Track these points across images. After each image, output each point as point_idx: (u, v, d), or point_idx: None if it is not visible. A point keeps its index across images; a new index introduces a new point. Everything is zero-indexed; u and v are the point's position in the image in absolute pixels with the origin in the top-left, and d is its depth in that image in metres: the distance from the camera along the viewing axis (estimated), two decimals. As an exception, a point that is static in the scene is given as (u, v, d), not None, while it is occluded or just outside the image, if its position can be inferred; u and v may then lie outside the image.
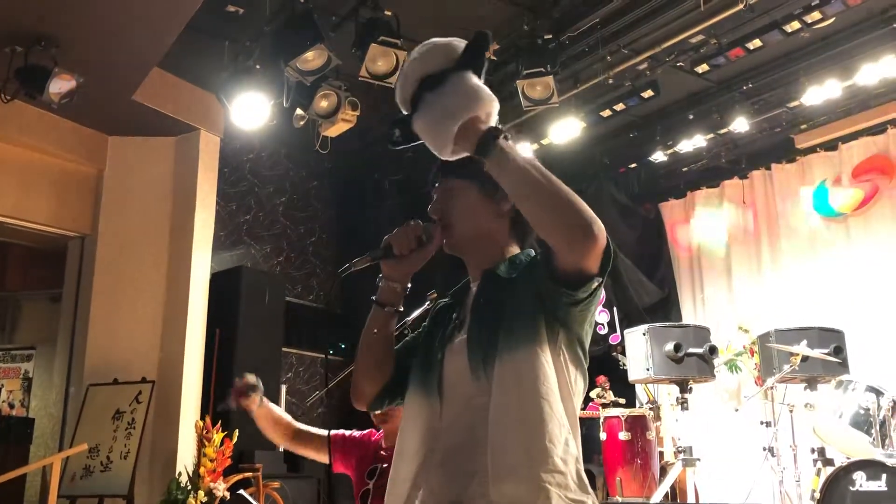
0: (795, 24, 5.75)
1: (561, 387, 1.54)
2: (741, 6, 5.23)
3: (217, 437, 5.52)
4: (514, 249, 1.74)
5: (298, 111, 6.12)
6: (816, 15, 5.65)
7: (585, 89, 6.55)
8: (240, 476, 5.64)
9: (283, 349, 6.82)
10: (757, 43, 6.00)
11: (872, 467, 4.19)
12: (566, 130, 7.00)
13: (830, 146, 7.54)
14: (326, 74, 5.71)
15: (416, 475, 1.60)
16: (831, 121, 7.33)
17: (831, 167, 7.54)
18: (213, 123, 6.61)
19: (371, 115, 6.27)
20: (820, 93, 6.50)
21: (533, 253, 1.73)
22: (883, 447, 4.42)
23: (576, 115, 6.90)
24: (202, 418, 5.73)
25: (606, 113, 6.99)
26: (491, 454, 1.48)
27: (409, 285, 1.77)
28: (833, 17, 5.69)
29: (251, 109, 5.70)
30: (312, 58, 5.38)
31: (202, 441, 5.51)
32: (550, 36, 6.05)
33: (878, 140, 7.24)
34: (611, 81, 6.44)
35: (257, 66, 5.68)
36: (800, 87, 6.63)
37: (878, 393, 4.58)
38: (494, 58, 6.23)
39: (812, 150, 7.65)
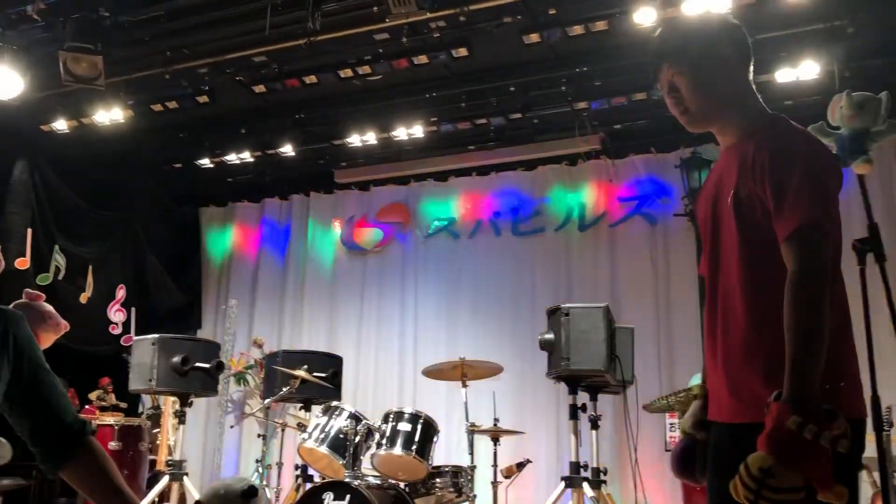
0: (349, 72, 6.22)
1: None
2: (301, 42, 5.47)
3: None
4: None
5: None
6: (367, 69, 6.18)
7: (138, 78, 6.22)
8: None
9: None
10: (313, 79, 6.35)
11: (339, 488, 4.58)
12: (110, 115, 6.57)
13: (363, 186, 8.26)
14: None
15: None
16: (367, 164, 8.03)
17: (361, 205, 8.25)
18: None
19: None
20: (360, 137, 7.10)
21: None
22: (353, 469, 4.88)
23: (123, 101, 6.51)
24: None
25: (158, 108, 6.73)
26: None
27: None
28: (380, 76, 6.28)
29: None
30: None
31: None
32: (108, 14, 5.62)
33: (402, 190, 8.13)
34: (167, 77, 6.22)
35: None
36: (345, 129, 7.14)
37: (358, 420, 5.06)
38: (37, 17, 5.57)
39: (348, 186, 8.29)
